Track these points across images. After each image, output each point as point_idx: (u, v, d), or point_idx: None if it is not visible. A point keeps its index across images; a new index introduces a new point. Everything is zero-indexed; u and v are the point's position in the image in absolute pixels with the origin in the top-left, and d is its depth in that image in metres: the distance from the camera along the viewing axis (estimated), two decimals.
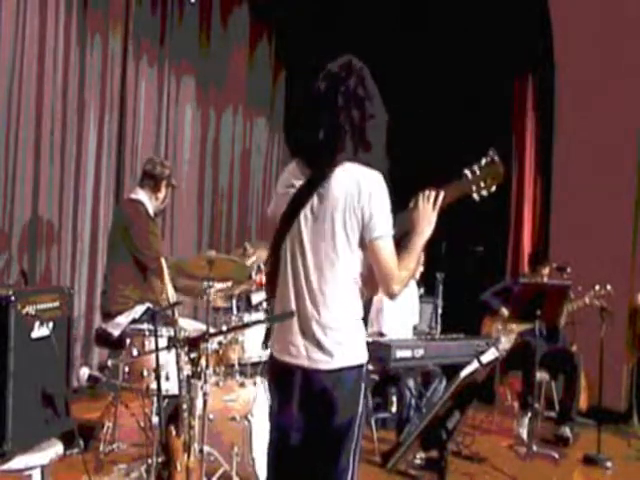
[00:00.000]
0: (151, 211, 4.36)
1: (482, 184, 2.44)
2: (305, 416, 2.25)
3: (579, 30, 6.40)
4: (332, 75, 2.33)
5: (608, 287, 5.15)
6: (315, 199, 2.23)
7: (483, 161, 2.49)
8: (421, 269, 5.23)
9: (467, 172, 2.45)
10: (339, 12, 7.23)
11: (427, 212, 2.35)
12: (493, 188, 2.45)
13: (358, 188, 2.19)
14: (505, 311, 5.42)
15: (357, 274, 2.25)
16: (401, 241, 2.30)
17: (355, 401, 2.22)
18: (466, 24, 6.84)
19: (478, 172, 2.46)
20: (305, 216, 2.25)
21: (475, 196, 2.43)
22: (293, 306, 2.24)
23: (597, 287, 5.17)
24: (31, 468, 3.31)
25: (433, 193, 2.37)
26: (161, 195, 4.41)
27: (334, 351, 2.20)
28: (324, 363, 2.21)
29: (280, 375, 2.31)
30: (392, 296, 2.24)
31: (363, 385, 2.25)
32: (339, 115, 2.24)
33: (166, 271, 4.18)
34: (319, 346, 2.20)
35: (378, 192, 2.22)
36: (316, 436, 2.24)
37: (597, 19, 6.27)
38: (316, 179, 2.23)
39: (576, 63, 6.41)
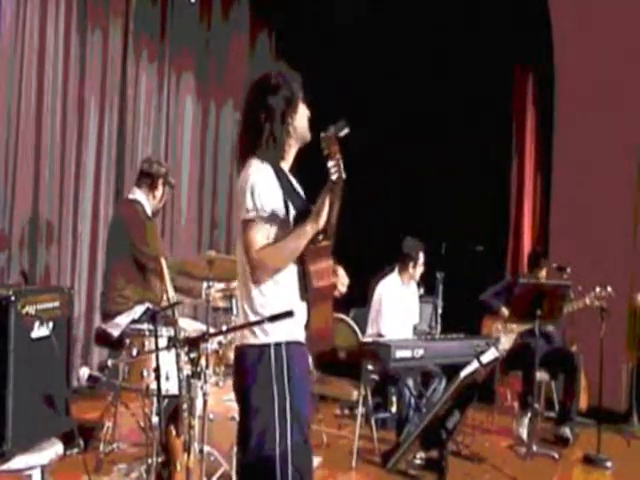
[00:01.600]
0: (149, 211, 4.35)
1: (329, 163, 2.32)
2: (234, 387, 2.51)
3: (579, 25, 6.40)
4: (254, 91, 2.53)
5: (609, 289, 5.14)
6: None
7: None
8: (422, 269, 5.26)
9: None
10: (339, 7, 7.23)
11: (320, 206, 2.31)
12: (330, 159, 2.29)
13: (239, 181, 2.40)
14: (505, 311, 5.42)
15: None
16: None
17: (258, 380, 2.33)
18: (466, 20, 6.84)
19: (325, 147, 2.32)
20: None
21: (333, 177, 2.27)
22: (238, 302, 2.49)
23: (598, 289, 5.16)
24: (31, 468, 3.31)
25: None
26: (158, 194, 4.39)
27: (244, 330, 2.38)
28: (237, 341, 2.43)
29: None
30: (253, 276, 2.34)
31: (272, 365, 2.32)
32: (259, 124, 2.45)
33: (166, 271, 4.17)
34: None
35: (249, 180, 2.34)
36: (240, 415, 2.44)
37: (597, 13, 6.26)
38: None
39: (576, 59, 6.41)
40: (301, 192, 2.53)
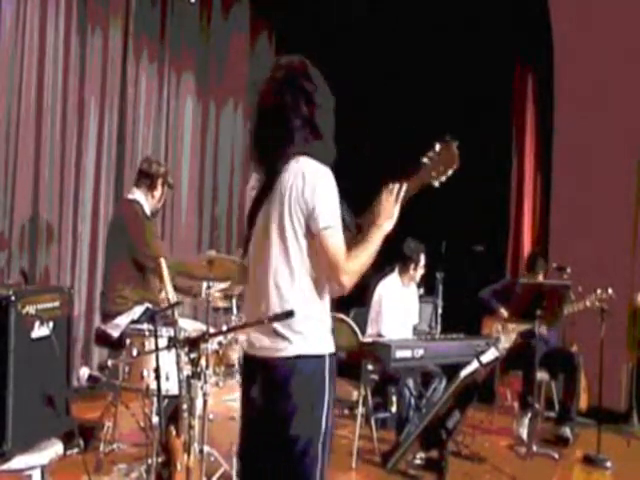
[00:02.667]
0: (148, 210, 4.35)
1: (440, 170, 2.45)
2: (267, 407, 2.26)
3: (579, 25, 6.40)
4: (277, 80, 2.37)
5: (610, 291, 5.14)
6: (269, 196, 2.28)
7: (438, 146, 2.45)
8: (422, 271, 5.26)
9: (425, 160, 2.43)
10: (339, 7, 7.23)
11: (389, 205, 2.34)
12: (449, 172, 2.45)
13: (303, 182, 2.20)
14: (504, 311, 5.42)
15: (313, 267, 2.23)
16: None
17: (314, 390, 2.22)
18: (466, 19, 6.84)
19: (435, 158, 2.44)
20: (260, 218, 2.31)
21: (435, 183, 2.42)
22: (252, 302, 2.32)
23: (599, 291, 5.16)
24: (31, 468, 3.32)
25: (396, 186, 2.37)
26: (157, 194, 4.38)
27: (291, 338, 2.21)
28: (281, 351, 2.22)
29: (246, 368, 2.38)
30: (343, 288, 2.21)
31: (327, 376, 2.25)
32: (289, 113, 2.28)
33: (166, 271, 4.18)
34: (277, 334, 2.22)
35: (322, 184, 2.21)
36: (278, 428, 2.22)
37: (597, 13, 6.26)
38: (269, 176, 2.29)
39: (576, 59, 6.41)
40: None
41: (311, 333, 2.23)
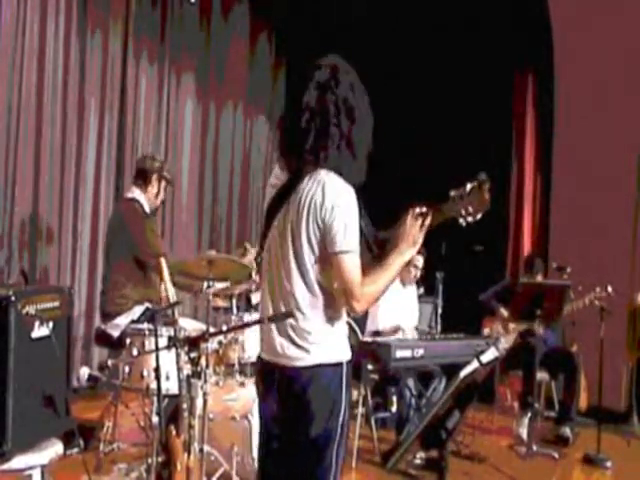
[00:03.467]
0: (147, 208, 4.34)
1: (468, 210, 2.40)
2: (284, 414, 2.25)
3: (579, 26, 6.40)
4: (322, 84, 2.33)
5: (609, 289, 5.14)
6: (288, 203, 2.23)
7: (469, 186, 2.38)
8: (419, 270, 5.26)
9: (454, 194, 2.38)
10: (339, 8, 7.24)
11: (413, 231, 2.29)
12: (479, 215, 2.39)
13: (322, 198, 2.16)
14: (504, 311, 5.43)
15: (327, 279, 2.20)
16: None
17: (333, 399, 2.19)
18: (466, 21, 6.84)
19: (465, 197, 2.39)
20: (278, 219, 2.27)
21: (461, 221, 2.37)
22: (270, 307, 2.27)
23: (598, 289, 5.16)
24: (31, 468, 3.31)
25: (424, 210, 2.32)
26: (153, 190, 4.35)
27: (309, 348, 2.19)
28: (299, 360, 2.20)
29: (262, 374, 2.35)
30: (353, 312, 2.19)
31: (344, 383, 2.21)
32: (329, 123, 2.25)
33: (166, 270, 4.18)
34: (294, 344, 2.21)
35: (342, 205, 2.16)
36: (295, 435, 2.22)
37: (597, 14, 6.26)
38: (292, 183, 2.25)
39: (576, 60, 6.41)
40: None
41: (328, 342, 2.21)
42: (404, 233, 2.27)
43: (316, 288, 2.20)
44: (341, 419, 2.20)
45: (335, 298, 2.20)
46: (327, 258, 2.16)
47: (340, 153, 2.25)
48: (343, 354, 2.24)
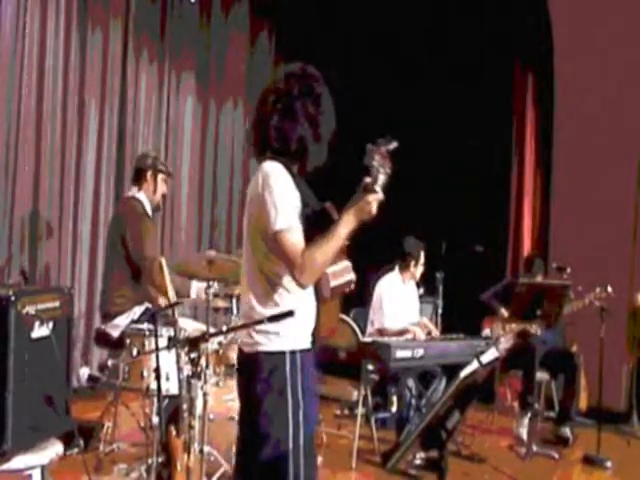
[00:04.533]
0: (148, 208, 4.33)
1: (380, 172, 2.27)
2: (241, 400, 2.34)
3: (579, 25, 6.40)
4: (289, 73, 2.47)
5: (609, 289, 5.14)
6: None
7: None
8: (422, 269, 5.26)
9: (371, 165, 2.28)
10: (339, 6, 7.24)
11: (360, 201, 2.21)
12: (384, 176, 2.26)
13: (256, 187, 2.26)
14: (504, 312, 5.43)
15: (276, 265, 2.25)
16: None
17: (275, 388, 2.22)
18: (466, 20, 6.84)
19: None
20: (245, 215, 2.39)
21: (376, 189, 2.24)
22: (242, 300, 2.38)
23: (598, 289, 5.17)
24: (31, 468, 3.32)
25: (370, 180, 2.22)
26: (150, 186, 4.32)
27: (254, 335, 2.26)
28: (248, 346, 2.28)
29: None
30: (301, 286, 2.20)
31: (287, 374, 2.22)
32: (294, 101, 2.35)
33: (166, 271, 4.17)
34: (248, 331, 2.28)
35: (271, 185, 2.22)
36: (250, 424, 2.27)
37: (597, 13, 6.26)
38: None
39: (576, 59, 6.41)
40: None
41: (273, 330, 2.24)
42: (353, 202, 2.22)
43: (262, 276, 2.26)
44: (290, 411, 2.21)
45: (285, 284, 2.25)
46: (270, 240, 2.21)
47: (305, 132, 2.30)
48: (287, 343, 2.25)
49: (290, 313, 2.17)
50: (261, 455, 2.22)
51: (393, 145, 2.22)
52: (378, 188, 2.19)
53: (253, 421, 2.25)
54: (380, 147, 2.20)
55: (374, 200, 2.20)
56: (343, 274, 2.38)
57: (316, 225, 2.25)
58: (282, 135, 2.30)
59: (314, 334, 2.33)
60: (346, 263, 2.40)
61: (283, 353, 2.24)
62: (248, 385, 2.27)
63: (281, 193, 2.21)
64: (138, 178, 4.34)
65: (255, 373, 2.24)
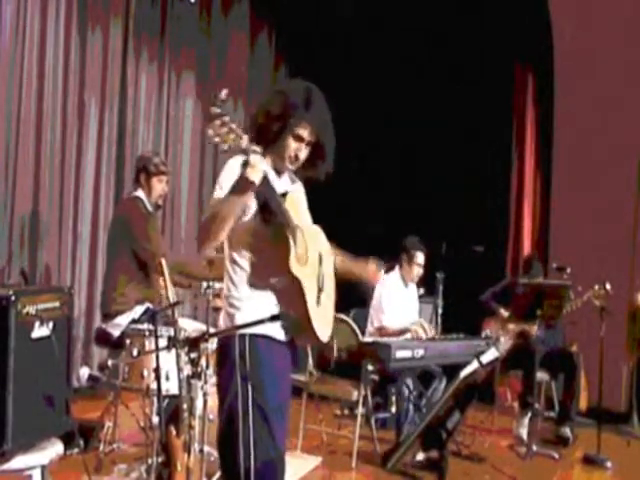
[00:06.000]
0: (149, 206, 4.33)
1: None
2: None
3: (579, 25, 6.40)
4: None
5: (607, 286, 5.15)
6: None
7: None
8: (421, 270, 5.26)
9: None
10: (339, 6, 7.23)
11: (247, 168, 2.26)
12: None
13: None
14: (504, 312, 5.43)
15: (233, 250, 2.44)
16: None
17: (225, 369, 2.39)
18: (466, 19, 6.84)
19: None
20: None
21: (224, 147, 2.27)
22: None
23: (596, 287, 5.17)
24: (31, 468, 3.32)
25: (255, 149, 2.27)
26: (147, 186, 4.30)
27: (220, 317, 2.51)
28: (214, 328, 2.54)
29: None
30: (198, 249, 2.40)
31: (236, 356, 2.37)
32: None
33: (166, 271, 4.17)
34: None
35: (225, 168, 2.45)
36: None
37: (597, 13, 6.26)
38: None
39: (576, 59, 6.41)
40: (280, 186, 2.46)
41: (227, 312, 2.46)
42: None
43: (227, 261, 2.46)
44: (239, 393, 2.33)
45: (245, 270, 2.41)
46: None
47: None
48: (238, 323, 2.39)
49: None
50: (219, 427, 2.42)
51: (223, 94, 2.18)
52: (244, 145, 2.23)
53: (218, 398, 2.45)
54: (212, 111, 2.17)
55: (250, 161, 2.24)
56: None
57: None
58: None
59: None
60: None
61: (232, 336, 2.39)
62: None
63: (225, 176, 2.41)
64: (137, 179, 4.35)
65: (217, 353, 2.50)
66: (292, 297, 2.38)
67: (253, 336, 2.37)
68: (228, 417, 2.35)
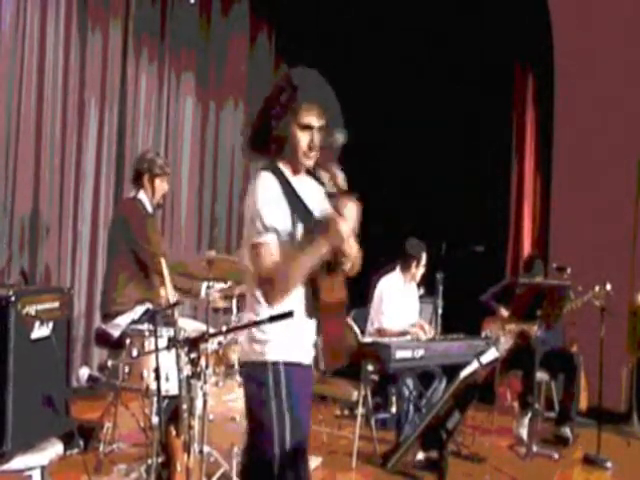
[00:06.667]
0: (149, 207, 4.34)
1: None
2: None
3: (579, 25, 6.40)
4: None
5: (608, 287, 5.14)
6: None
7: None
8: (423, 270, 5.25)
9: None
10: (339, 7, 7.23)
11: (336, 222, 2.12)
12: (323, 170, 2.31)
13: (250, 191, 2.30)
14: (504, 312, 5.43)
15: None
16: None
17: (260, 399, 2.24)
18: (466, 20, 6.84)
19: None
20: None
21: (327, 189, 2.28)
22: None
23: (597, 288, 5.17)
24: (31, 468, 3.32)
25: (347, 202, 2.14)
26: (149, 188, 4.33)
27: (243, 344, 2.33)
28: (242, 355, 2.36)
29: None
30: (266, 302, 2.21)
31: (270, 386, 2.22)
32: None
33: (166, 271, 4.17)
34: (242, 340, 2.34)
35: (256, 192, 2.24)
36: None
37: (597, 13, 6.26)
38: None
39: (576, 59, 6.41)
40: (312, 204, 2.32)
41: (259, 340, 2.25)
42: (327, 223, 2.15)
43: (252, 284, 2.29)
44: (276, 426, 2.21)
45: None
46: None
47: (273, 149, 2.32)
48: (272, 354, 2.24)
49: (290, 314, 2.14)
50: (249, 462, 2.32)
51: (340, 141, 2.16)
52: (328, 189, 2.16)
53: (249, 428, 2.32)
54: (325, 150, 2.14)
55: (341, 225, 2.10)
56: (335, 290, 2.33)
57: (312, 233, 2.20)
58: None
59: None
60: (338, 278, 2.33)
61: (265, 363, 2.24)
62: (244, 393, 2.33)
63: (263, 202, 2.21)
64: (137, 180, 4.35)
65: (244, 382, 2.34)
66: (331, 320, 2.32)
67: (287, 365, 2.25)
68: (259, 453, 2.25)
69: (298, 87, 2.26)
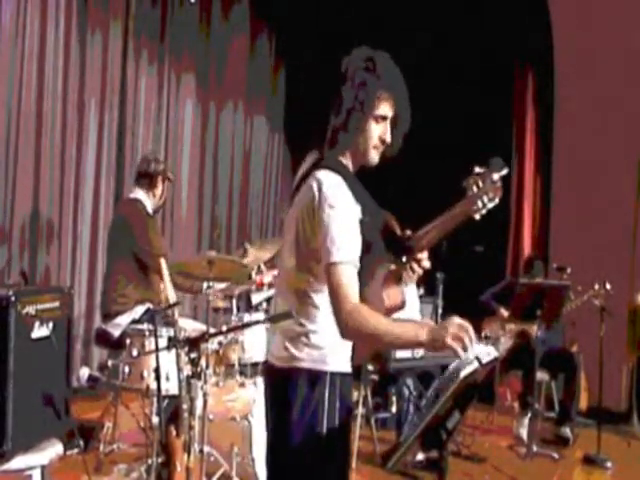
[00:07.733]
0: (150, 209, 4.35)
1: (484, 201, 2.23)
2: (272, 416, 2.16)
3: (579, 25, 6.40)
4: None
5: (607, 286, 5.15)
6: (296, 196, 2.13)
7: (482, 172, 2.23)
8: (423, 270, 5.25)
9: (471, 190, 2.21)
10: (339, 7, 7.23)
11: (445, 336, 1.93)
12: (491, 205, 2.24)
13: (314, 195, 1.97)
14: (504, 312, 5.43)
15: (319, 283, 2.03)
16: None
17: (309, 408, 2.03)
18: (466, 20, 6.84)
19: (481, 188, 2.21)
20: (291, 211, 2.15)
21: (476, 216, 2.20)
22: (280, 307, 2.17)
23: (596, 286, 5.17)
24: (31, 468, 3.32)
25: (467, 331, 1.97)
26: (158, 191, 4.39)
27: (291, 345, 2.05)
28: (283, 361, 2.08)
29: (265, 376, 2.29)
30: (342, 333, 1.93)
31: (326, 393, 2.04)
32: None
33: (166, 271, 4.18)
34: (285, 348, 2.07)
35: (336, 203, 1.94)
36: (280, 438, 2.09)
37: (597, 13, 6.26)
38: (303, 175, 2.12)
39: (576, 59, 6.41)
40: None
41: (316, 346, 2.05)
42: (441, 330, 1.93)
43: (306, 292, 2.05)
44: (322, 429, 2.03)
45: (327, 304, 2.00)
46: (320, 263, 1.97)
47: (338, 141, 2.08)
48: (329, 364, 2.06)
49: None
50: (291, 470, 2.09)
51: (504, 172, 2.04)
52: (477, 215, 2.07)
53: (287, 440, 2.07)
54: (492, 173, 2.01)
55: (455, 330, 1.90)
56: (394, 295, 2.30)
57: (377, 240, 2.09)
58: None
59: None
60: (397, 284, 2.27)
61: (325, 373, 2.04)
62: (283, 402, 2.06)
63: (342, 219, 1.94)
64: (148, 182, 4.35)
65: (289, 389, 2.04)
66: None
67: (343, 376, 2.08)
68: (306, 471, 2.05)
69: (381, 75, 2.11)
